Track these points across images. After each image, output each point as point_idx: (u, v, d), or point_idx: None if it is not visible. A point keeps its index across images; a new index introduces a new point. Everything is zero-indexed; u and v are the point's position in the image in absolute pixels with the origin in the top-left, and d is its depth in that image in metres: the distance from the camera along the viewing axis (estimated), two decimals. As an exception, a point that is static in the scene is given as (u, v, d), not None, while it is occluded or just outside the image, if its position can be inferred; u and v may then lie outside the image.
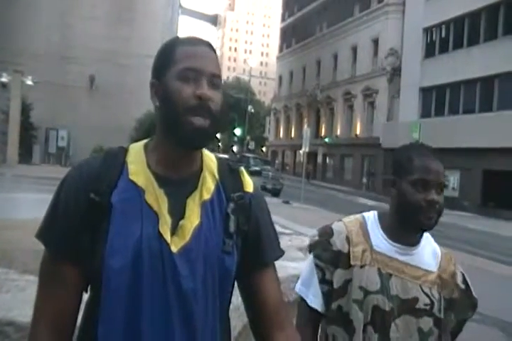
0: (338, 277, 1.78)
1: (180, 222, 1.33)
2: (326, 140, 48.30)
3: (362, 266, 1.77)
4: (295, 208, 20.56)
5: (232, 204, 1.41)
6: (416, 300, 1.77)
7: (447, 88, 32.76)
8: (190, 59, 1.33)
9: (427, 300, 1.79)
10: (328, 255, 1.80)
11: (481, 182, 28.47)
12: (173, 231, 1.32)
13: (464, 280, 1.91)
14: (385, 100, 40.75)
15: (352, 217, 1.92)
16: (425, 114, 34.91)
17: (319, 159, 49.58)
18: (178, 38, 1.43)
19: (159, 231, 1.31)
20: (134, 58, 29.15)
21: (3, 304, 2.87)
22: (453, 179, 31.67)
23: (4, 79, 27.06)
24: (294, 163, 57.41)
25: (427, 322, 1.78)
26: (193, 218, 1.34)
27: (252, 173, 26.24)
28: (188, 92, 1.31)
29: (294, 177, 46.79)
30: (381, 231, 1.83)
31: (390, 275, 1.78)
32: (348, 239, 1.81)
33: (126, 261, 1.27)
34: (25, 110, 27.27)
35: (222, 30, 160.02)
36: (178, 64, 1.33)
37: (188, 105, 1.30)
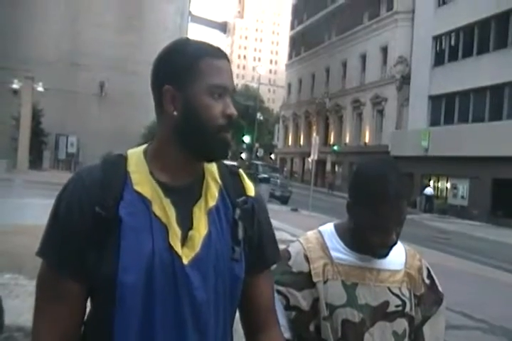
0: (306, 298, 1.72)
1: (190, 233, 1.31)
2: (335, 148, 48.22)
3: (325, 282, 1.72)
4: (303, 216, 20.52)
5: (238, 211, 1.40)
6: (387, 303, 1.73)
7: (456, 96, 32.69)
8: (218, 75, 1.33)
9: (398, 301, 1.75)
10: (288, 278, 1.72)
11: (491, 191, 28.33)
12: (183, 242, 1.30)
13: (429, 275, 1.87)
14: (394, 108, 40.70)
15: (308, 234, 1.87)
16: (434, 122, 34.83)
17: (328, 167, 49.50)
18: (196, 45, 1.37)
19: (170, 244, 1.28)
20: (143, 65, 29.20)
21: (12, 309, 2.88)
22: (462, 187, 31.55)
23: (15, 86, 27.28)
24: (302, 171, 57.36)
25: (400, 324, 1.74)
26: (201, 227, 1.32)
27: (260, 180, 26.32)
28: (218, 110, 1.31)
29: (302, 184, 46.72)
30: (340, 242, 1.78)
31: (356, 284, 1.73)
32: (306, 258, 1.75)
33: (140, 277, 1.24)
34: (36, 116, 27.49)
35: (232, 37, 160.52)
36: (206, 78, 1.31)
37: (219, 124, 1.31)
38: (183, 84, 1.32)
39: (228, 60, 1.38)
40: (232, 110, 1.33)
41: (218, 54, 1.36)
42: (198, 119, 1.30)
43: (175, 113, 1.32)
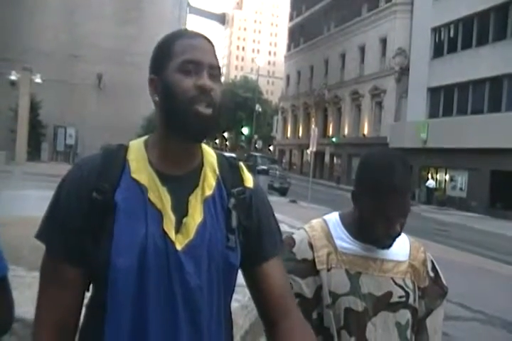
0: (309, 286, 1.74)
1: (184, 220, 1.33)
2: (334, 139, 48.23)
3: (329, 270, 1.73)
4: (302, 207, 20.54)
5: (232, 200, 1.41)
6: (390, 294, 1.74)
7: (455, 88, 32.65)
8: (188, 51, 1.32)
9: (401, 292, 1.76)
10: (292, 265, 1.73)
11: (489, 183, 28.35)
12: (177, 228, 1.32)
13: (434, 268, 1.88)
14: (392, 100, 40.65)
15: (313, 222, 1.88)
16: (433, 114, 34.81)
17: (326, 159, 49.51)
18: (173, 32, 1.41)
19: (163, 230, 1.31)
20: (141, 57, 29.10)
21: (10, 301, 2.88)
22: (461, 179, 31.59)
23: (13, 77, 27.19)
24: (301, 162, 57.39)
25: (404, 315, 1.76)
26: (196, 215, 1.34)
27: (259, 172, 26.33)
28: (189, 84, 1.30)
29: (301, 176, 46.75)
30: (345, 231, 1.80)
31: (360, 273, 1.74)
32: (311, 245, 1.77)
33: (132, 261, 1.27)
34: (34, 108, 27.39)
35: (230, 29, 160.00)
36: (177, 57, 1.32)
37: (190, 95, 1.30)
38: (160, 69, 1.35)
39: (207, 40, 1.38)
40: (204, 81, 1.31)
41: (191, 35, 1.37)
42: (171, 96, 1.31)
43: (156, 98, 1.36)
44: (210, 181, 1.40)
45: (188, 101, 1.30)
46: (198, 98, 1.30)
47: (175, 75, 1.31)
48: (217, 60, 1.38)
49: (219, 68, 1.37)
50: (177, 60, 1.32)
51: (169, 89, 1.32)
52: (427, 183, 33.06)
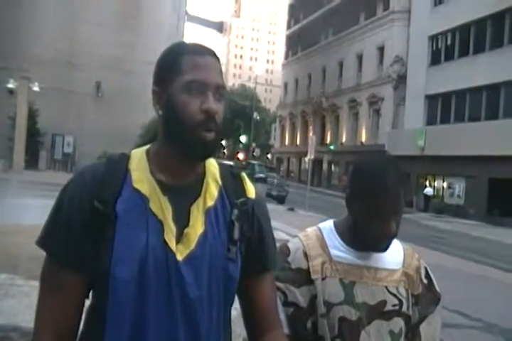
0: (304, 295, 1.74)
1: (185, 230, 1.33)
2: (331, 147, 48.27)
3: (323, 279, 1.74)
4: (300, 215, 20.54)
5: (236, 211, 1.41)
6: (384, 303, 1.75)
7: (453, 96, 32.75)
8: (196, 71, 1.31)
9: (395, 301, 1.76)
10: (287, 274, 1.74)
11: (487, 190, 28.37)
12: (178, 239, 1.32)
13: (427, 275, 1.88)
14: (390, 107, 40.73)
15: (308, 230, 1.88)
16: (431, 121, 34.88)
17: (324, 166, 49.53)
18: (181, 44, 1.40)
19: (164, 240, 1.30)
20: (139, 65, 29.25)
21: (8, 309, 2.88)
22: (458, 187, 31.62)
23: (11, 86, 27.21)
24: (299, 170, 57.39)
25: (397, 323, 1.76)
26: (197, 226, 1.34)
27: (257, 180, 26.33)
28: (195, 107, 1.30)
29: (299, 184, 46.74)
30: (339, 240, 1.80)
31: (354, 283, 1.74)
32: (305, 255, 1.77)
33: (133, 271, 1.27)
34: (32, 116, 27.41)
35: (228, 37, 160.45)
36: (184, 75, 1.31)
37: (196, 120, 1.29)
38: (166, 83, 1.34)
39: (214, 57, 1.37)
40: (210, 104, 1.30)
41: (200, 51, 1.35)
42: (176, 117, 1.31)
43: (160, 112, 1.36)
44: (212, 191, 1.40)
45: (194, 126, 1.30)
46: (204, 124, 1.30)
47: (180, 95, 1.31)
48: (222, 77, 1.37)
49: (224, 87, 1.36)
50: (183, 79, 1.31)
51: (174, 111, 1.31)
52: (425, 191, 33.11)
